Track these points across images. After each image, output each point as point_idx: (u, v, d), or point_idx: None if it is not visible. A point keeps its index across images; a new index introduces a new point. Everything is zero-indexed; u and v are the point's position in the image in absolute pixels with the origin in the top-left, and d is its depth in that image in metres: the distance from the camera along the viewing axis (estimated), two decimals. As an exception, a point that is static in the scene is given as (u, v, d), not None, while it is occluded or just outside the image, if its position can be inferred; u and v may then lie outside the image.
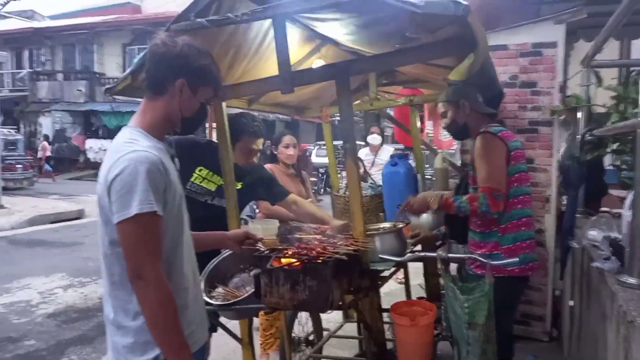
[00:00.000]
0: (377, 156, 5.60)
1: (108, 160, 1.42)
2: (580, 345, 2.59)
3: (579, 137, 3.31)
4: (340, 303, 2.06)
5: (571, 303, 2.99)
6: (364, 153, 5.77)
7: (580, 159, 3.24)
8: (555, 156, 3.67)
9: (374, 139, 5.66)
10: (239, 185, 2.61)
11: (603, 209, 3.33)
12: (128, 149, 1.39)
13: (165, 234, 1.42)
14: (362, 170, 4.48)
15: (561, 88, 3.73)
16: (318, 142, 19.33)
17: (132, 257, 1.36)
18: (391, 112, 5.30)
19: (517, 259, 2.06)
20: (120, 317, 1.45)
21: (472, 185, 2.39)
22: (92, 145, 20.29)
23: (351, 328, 3.44)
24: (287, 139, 3.58)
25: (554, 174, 3.66)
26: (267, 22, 2.46)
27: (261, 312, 2.88)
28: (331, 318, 3.74)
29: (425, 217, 2.98)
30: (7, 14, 18.12)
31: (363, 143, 5.86)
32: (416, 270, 3.90)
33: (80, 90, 21.02)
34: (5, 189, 11.94)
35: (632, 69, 3.61)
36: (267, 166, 3.58)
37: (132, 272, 1.36)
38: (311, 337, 3.27)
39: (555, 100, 3.67)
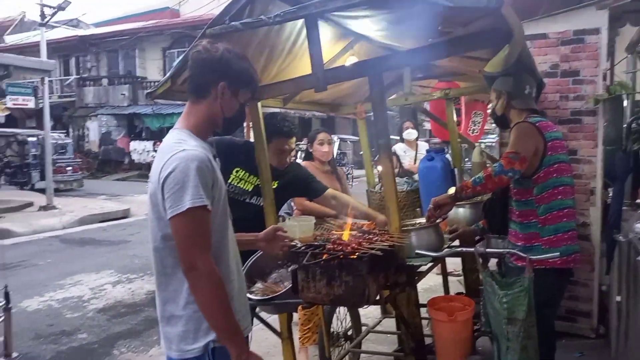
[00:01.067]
0: (418, 151, 5.56)
1: (159, 160, 1.51)
2: (629, 342, 2.50)
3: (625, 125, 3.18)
4: (377, 298, 2.08)
5: (618, 298, 2.88)
6: (402, 149, 5.72)
7: (626, 149, 3.11)
8: (599, 147, 3.53)
9: (409, 134, 5.62)
10: (275, 184, 2.65)
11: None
12: (178, 148, 1.49)
13: (213, 228, 1.51)
14: (397, 169, 4.46)
15: (605, 76, 3.59)
16: (340, 136, 17.66)
17: (186, 249, 1.44)
18: (427, 106, 5.23)
19: (558, 253, 2.01)
20: (171, 308, 1.54)
21: (516, 198, 2.33)
22: (136, 147, 21.01)
23: (390, 323, 3.45)
24: (322, 136, 3.61)
25: (598, 166, 3.53)
26: (300, 21, 2.49)
27: (299, 307, 2.93)
28: (369, 313, 3.76)
29: (463, 212, 2.94)
30: (55, 24, 18.99)
31: (398, 138, 5.81)
32: (455, 265, 3.86)
33: (123, 94, 21.80)
34: (56, 190, 12.56)
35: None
36: (303, 163, 3.63)
37: (186, 264, 1.45)
38: (350, 332, 3.30)
39: (599, 88, 3.53)
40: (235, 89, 1.60)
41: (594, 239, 3.56)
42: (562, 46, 3.63)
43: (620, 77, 3.67)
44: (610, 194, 3.38)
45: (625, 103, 3.33)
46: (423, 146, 5.71)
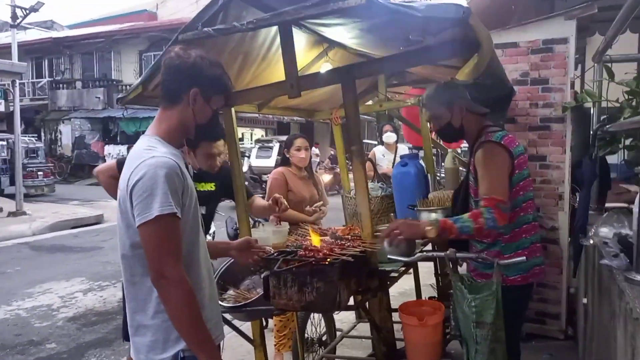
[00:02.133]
0: (396, 154, 5.61)
1: (128, 166, 1.50)
2: (594, 344, 2.57)
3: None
4: (351, 303, 2.09)
5: (585, 301, 2.96)
6: (381, 152, 5.78)
7: (593, 156, 3.21)
8: (567, 153, 3.64)
9: (389, 137, 5.68)
10: (213, 187, 2.69)
11: (614, 204, 3.30)
12: (147, 155, 1.47)
13: (183, 236, 1.49)
14: (371, 173, 4.50)
15: (573, 84, 3.70)
16: (260, 140, 16.76)
17: (155, 257, 1.43)
18: (401, 112, 5.29)
19: (524, 258, 2.05)
20: (140, 317, 1.52)
21: (474, 197, 2.21)
22: (111, 151, 20.64)
23: (365, 328, 3.46)
24: (299, 141, 3.61)
25: (567, 171, 3.64)
26: (274, 28, 2.50)
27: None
28: (345, 318, 3.77)
29: (435, 217, 2.98)
30: (27, 25, 18.57)
31: (375, 142, 5.87)
32: (429, 270, 3.90)
33: (98, 98, 21.43)
34: (26, 195, 12.25)
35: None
36: (279, 169, 3.62)
37: (155, 272, 1.43)
38: (324, 338, 3.30)
39: (567, 96, 3.64)
40: (208, 96, 1.60)
41: (562, 243, 3.65)
42: (532, 55, 3.73)
43: (590, 85, 3.78)
44: (578, 199, 3.47)
45: (592, 111, 3.43)
46: (403, 149, 5.77)
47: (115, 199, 2.62)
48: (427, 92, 2.39)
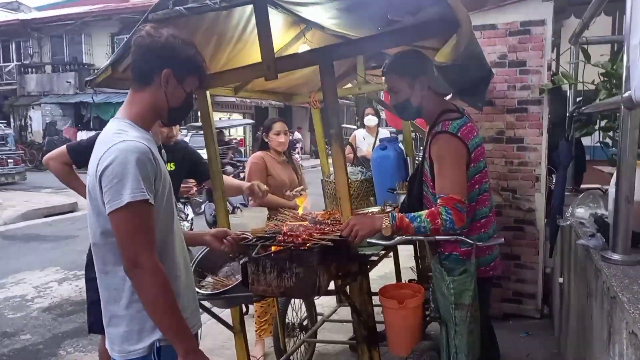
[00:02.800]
0: (377, 138, 5.61)
1: (97, 151, 1.43)
2: (569, 322, 2.63)
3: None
4: (332, 288, 2.08)
5: (560, 280, 3.02)
6: (361, 134, 5.78)
7: (568, 137, 3.24)
8: (544, 135, 3.67)
9: (370, 120, 5.68)
10: (173, 167, 2.63)
11: (589, 185, 3.35)
12: (117, 139, 1.41)
13: (157, 223, 1.44)
14: (351, 156, 4.47)
15: (550, 66, 3.72)
16: (194, 124, 13.77)
17: (127, 246, 1.37)
18: (382, 96, 5.27)
19: (503, 239, 2.06)
20: (113, 307, 1.47)
21: (431, 189, 2.11)
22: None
23: (345, 312, 3.47)
24: (278, 126, 3.55)
25: (543, 153, 3.67)
26: (249, 8, 2.42)
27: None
28: (325, 302, 3.78)
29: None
30: (-9, 6, 17.83)
31: (354, 127, 5.87)
32: (409, 252, 3.93)
33: (69, 82, 20.80)
34: (-3, 184, 11.87)
35: (622, 44, 3.59)
36: (258, 154, 3.57)
37: (128, 261, 1.38)
38: (305, 322, 3.30)
39: (544, 78, 3.66)
40: (181, 77, 1.53)
41: (538, 224, 3.71)
42: (510, 37, 3.73)
43: (565, 68, 3.81)
44: (554, 180, 3.52)
45: (568, 93, 3.46)
46: (384, 133, 5.77)
47: (70, 187, 2.53)
48: (389, 59, 2.21)
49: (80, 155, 2.52)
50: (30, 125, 21.79)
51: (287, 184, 3.52)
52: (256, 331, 3.43)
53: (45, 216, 9.71)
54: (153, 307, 1.40)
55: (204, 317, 2.23)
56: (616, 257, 1.71)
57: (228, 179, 3.05)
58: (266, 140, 3.58)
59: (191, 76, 1.57)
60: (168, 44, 1.49)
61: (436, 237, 2.06)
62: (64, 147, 2.64)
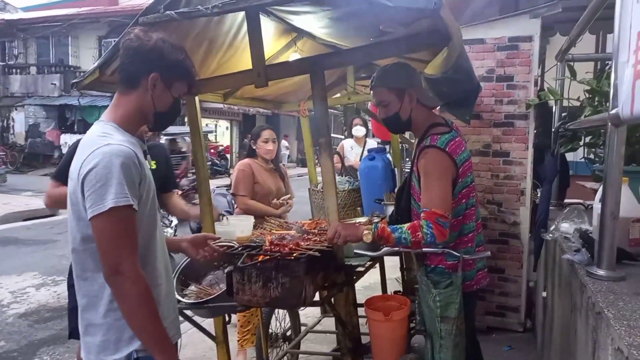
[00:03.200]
0: (364, 148, 5.63)
1: (80, 154, 1.40)
2: (553, 336, 2.63)
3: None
4: (316, 299, 2.05)
5: (544, 294, 3.03)
6: (349, 144, 5.81)
7: (554, 152, 3.28)
8: (530, 149, 3.71)
9: (358, 130, 5.71)
10: (154, 165, 2.59)
11: (571, 200, 3.39)
12: (101, 142, 1.38)
13: (139, 229, 1.41)
14: (339, 165, 4.47)
15: (536, 82, 3.77)
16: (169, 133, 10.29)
17: (108, 252, 1.34)
18: (370, 106, 5.30)
19: (489, 252, 2.07)
20: (90, 315, 1.43)
21: (417, 200, 2.09)
22: (67, 141, 19.74)
23: (329, 322, 3.44)
24: (267, 133, 3.54)
25: (529, 167, 3.71)
26: (241, 14, 2.41)
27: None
28: (309, 313, 3.74)
29: (376, 221, 2.98)
30: (-24, 5, 17.55)
31: (342, 137, 5.89)
32: (395, 264, 3.92)
33: (54, 84, 20.49)
34: (-24, 185, 11.60)
35: (606, 62, 3.66)
36: (245, 161, 3.54)
37: (109, 268, 1.34)
38: (289, 333, 3.25)
39: (531, 94, 3.71)
40: (169, 81, 1.51)
41: (523, 237, 3.73)
42: (498, 52, 3.78)
43: (551, 84, 3.87)
44: (539, 195, 3.55)
45: (553, 109, 3.52)
46: (372, 144, 5.80)
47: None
48: (378, 71, 2.20)
49: (65, 172, 2.46)
50: (13, 126, 21.39)
51: (273, 192, 3.49)
52: (238, 341, 3.38)
53: (25, 219, 9.50)
54: (133, 316, 1.36)
55: (185, 325, 2.19)
56: (601, 272, 1.71)
57: (179, 201, 3.06)
58: (254, 147, 3.56)
59: (179, 81, 1.54)
60: (157, 48, 1.47)
61: (423, 249, 2.05)
62: (49, 181, 2.59)
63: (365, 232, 1.95)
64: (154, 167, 2.56)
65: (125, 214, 1.34)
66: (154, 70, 1.47)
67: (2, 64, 22.04)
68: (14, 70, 21.77)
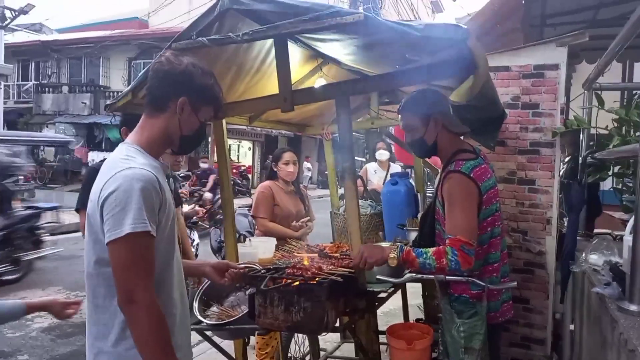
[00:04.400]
0: (388, 172, 5.64)
1: (102, 177, 1.39)
2: (581, 372, 2.54)
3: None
4: (337, 325, 2.04)
5: (572, 327, 2.94)
6: (373, 168, 5.83)
7: (581, 181, 3.22)
8: (556, 178, 3.65)
9: (381, 154, 5.74)
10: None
11: (599, 230, 3.31)
12: (124, 165, 1.37)
13: (156, 256, 1.38)
14: (361, 189, 4.47)
15: (562, 110, 3.73)
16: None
17: (123, 279, 1.31)
18: (392, 130, 5.32)
19: (515, 283, 2.03)
20: (101, 343, 1.40)
21: (443, 227, 2.07)
22: (95, 158, 20.30)
23: (349, 348, 3.40)
24: (288, 155, 3.57)
25: (555, 196, 3.64)
26: (269, 40, 2.47)
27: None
28: (328, 338, 3.70)
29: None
30: (16, 27, 18.33)
31: (363, 159, 5.92)
32: (416, 290, 3.86)
33: (84, 103, 21.18)
34: (6, 199, 11.90)
35: (634, 91, 3.61)
36: (266, 183, 3.58)
37: (123, 295, 1.31)
38: (307, 358, 3.22)
39: (557, 121, 3.66)
40: (197, 106, 1.51)
41: (549, 267, 3.64)
42: (524, 79, 3.75)
43: (577, 112, 3.83)
44: (566, 224, 3.48)
45: (581, 137, 3.46)
46: (395, 168, 5.80)
47: None
48: (405, 98, 2.26)
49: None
50: (43, 143, 22.09)
51: (293, 214, 3.51)
52: (257, 364, 3.35)
53: (51, 235, 9.69)
54: (145, 345, 1.32)
55: (205, 345, 2.18)
56: (633, 307, 1.66)
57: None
58: (275, 169, 3.59)
59: (207, 106, 1.55)
60: (187, 72, 1.48)
61: (447, 277, 2.03)
62: (80, 212, 2.72)
63: (391, 256, 1.94)
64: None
65: (143, 240, 1.32)
66: (183, 94, 1.48)
67: (36, 82, 22.92)
68: (46, 89, 22.61)
